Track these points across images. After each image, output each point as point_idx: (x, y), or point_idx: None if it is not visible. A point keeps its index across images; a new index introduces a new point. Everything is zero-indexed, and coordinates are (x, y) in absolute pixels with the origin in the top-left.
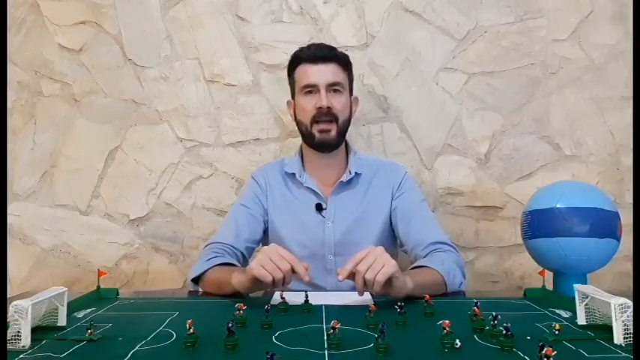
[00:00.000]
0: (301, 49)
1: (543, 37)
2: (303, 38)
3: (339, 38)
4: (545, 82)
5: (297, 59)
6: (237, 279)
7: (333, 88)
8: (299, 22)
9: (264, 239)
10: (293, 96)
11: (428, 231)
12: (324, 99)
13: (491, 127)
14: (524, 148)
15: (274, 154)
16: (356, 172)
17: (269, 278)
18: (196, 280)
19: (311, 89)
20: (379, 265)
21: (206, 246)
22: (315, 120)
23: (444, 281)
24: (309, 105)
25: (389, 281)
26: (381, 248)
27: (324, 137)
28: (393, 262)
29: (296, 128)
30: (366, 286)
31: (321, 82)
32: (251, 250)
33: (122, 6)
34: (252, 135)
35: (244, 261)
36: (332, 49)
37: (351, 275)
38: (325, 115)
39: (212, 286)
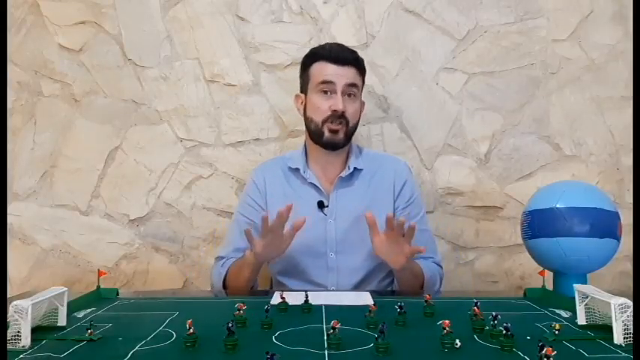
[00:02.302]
0: (322, 46)
1: (543, 37)
2: (303, 38)
3: (339, 38)
4: (545, 82)
5: (317, 55)
6: (250, 255)
7: (348, 92)
8: (299, 22)
9: None
10: (303, 90)
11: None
12: (340, 102)
13: (491, 127)
14: (524, 148)
15: (274, 154)
16: (355, 168)
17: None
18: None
19: (327, 89)
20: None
21: (217, 259)
22: (326, 120)
23: (423, 281)
24: (323, 105)
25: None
26: None
27: (333, 137)
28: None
29: (296, 128)
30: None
31: (339, 82)
32: None
33: (122, 6)
34: (252, 135)
35: None
36: (353, 52)
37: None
38: (338, 118)
39: (235, 280)
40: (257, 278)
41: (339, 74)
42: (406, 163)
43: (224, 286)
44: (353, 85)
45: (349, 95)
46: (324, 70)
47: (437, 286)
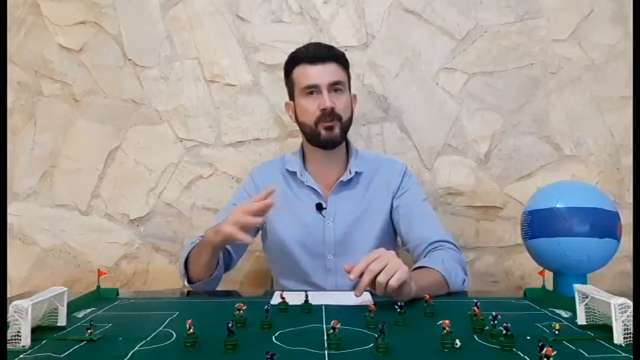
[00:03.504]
0: (298, 50)
1: (543, 37)
2: (303, 38)
3: (339, 38)
4: (545, 82)
5: (295, 60)
6: (211, 233)
7: (334, 87)
8: (299, 22)
9: (254, 236)
10: (291, 97)
11: (429, 230)
12: (327, 100)
13: (491, 127)
14: (524, 148)
15: (274, 154)
16: (356, 172)
17: (247, 239)
18: (187, 274)
19: (312, 90)
20: (393, 268)
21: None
22: (319, 121)
23: (445, 282)
24: (312, 106)
25: (398, 286)
26: (392, 252)
27: (330, 134)
28: (405, 267)
29: (296, 128)
30: (372, 287)
31: (322, 82)
32: (236, 247)
33: (122, 6)
34: (252, 135)
35: (229, 256)
36: (330, 48)
37: (361, 275)
38: (329, 115)
39: (195, 260)
40: (220, 267)
41: (321, 74)
42: (405, 163)
43: (186, 266)
44: (336, 82)
45: (336, 90)
46: (305, 73)
47: (460, 276)
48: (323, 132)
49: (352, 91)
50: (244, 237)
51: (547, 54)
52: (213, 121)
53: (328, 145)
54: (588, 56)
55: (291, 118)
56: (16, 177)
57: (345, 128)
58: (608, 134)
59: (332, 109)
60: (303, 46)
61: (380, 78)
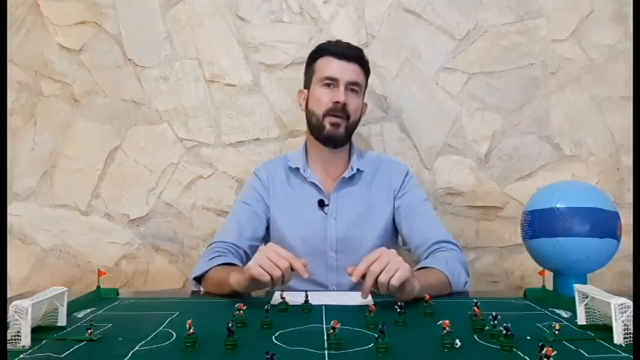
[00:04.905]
0: (328, 42)
1: (543, 37)
2: (303, 38)
3: (339, 38)
4: (545, 82)
5: (322, 50)
6: (235, 278)
7: (351, 87)
8: (299, 22)
9: (267, 236)
10: (306, 86)
11: (431, 230)
12: (342, 95)
13: (491, 127)
14: (524, 148)
15: (274, 154)
16: (358, 169)
17: (267, 277)
18: (199, 280)
19: (330, 82)
20: (393, 268)
21: (209, 245)
22: (328, 113)
23: (448, 282)
24: (325, 97)
25: (400, 285)
26: (393, 251)
27: (334, 131)
28: (407, 265)
29: (296, 128)
30: (375, 287)
31: (342, 77)
32: (254, 248)
33: (122, 6)
34: (252, 135)
35: (247, 259)
36: (359, 49)
37: (363, 275)
38: (340, 111)
39: (213, 287)
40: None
41: (343, 70)
42: (407, 165)
43: (199, 279)
44: (355, 83)
45: (352, 90)
46: (328, 64)
47: (462, 276)
48: (328, 126)
49: (365, 100)
50: (267, 280)
51: (547, 54)
52: (213, 121)
53: (330, 140)
54: (588, 56)
55: (300, 106)
56: (16, 177)
57: (350, 129)
58: (608, 134)
59: (344, 105)
60: (334, 41)
61: (380, 78)
